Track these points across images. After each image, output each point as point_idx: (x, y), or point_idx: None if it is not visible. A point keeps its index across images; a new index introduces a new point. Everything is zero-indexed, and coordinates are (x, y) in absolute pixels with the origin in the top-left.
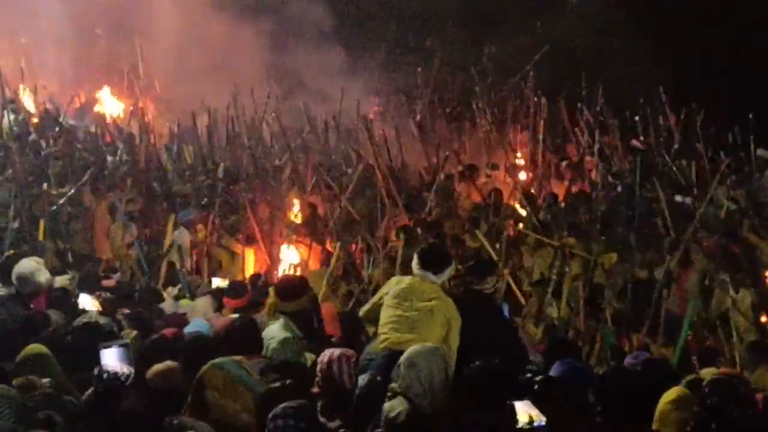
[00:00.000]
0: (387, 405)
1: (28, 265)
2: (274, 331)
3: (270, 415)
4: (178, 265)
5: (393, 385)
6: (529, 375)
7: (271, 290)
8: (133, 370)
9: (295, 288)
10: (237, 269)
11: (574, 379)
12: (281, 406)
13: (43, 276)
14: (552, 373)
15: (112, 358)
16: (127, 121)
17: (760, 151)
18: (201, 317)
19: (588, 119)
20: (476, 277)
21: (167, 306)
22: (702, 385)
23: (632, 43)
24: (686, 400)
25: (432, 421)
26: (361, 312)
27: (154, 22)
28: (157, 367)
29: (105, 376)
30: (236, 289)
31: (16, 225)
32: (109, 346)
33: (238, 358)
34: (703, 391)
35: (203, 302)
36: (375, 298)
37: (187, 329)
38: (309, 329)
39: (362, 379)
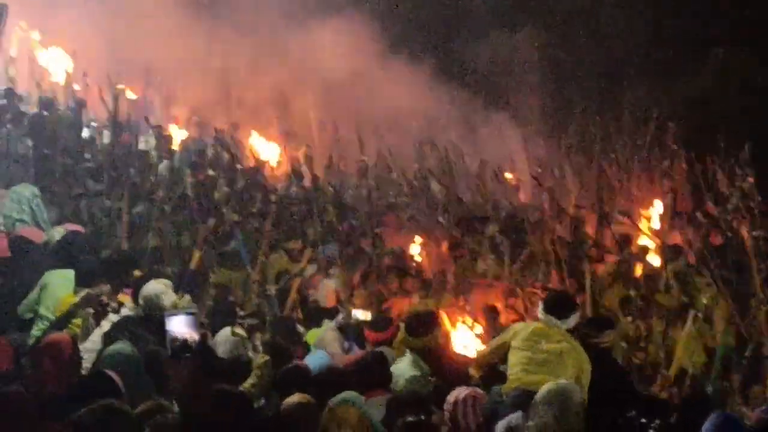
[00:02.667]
0: None
1: (154, 287)
2: (403, 368)
3: None
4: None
5: (530, 423)
6: (643, 420)
7: (401, 326)
8: (198, 337)
9: (425, 324)
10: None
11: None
12: None
13: (168, 299)
14: (708, 423)
15: (178, 325)
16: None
17: None
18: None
19: (726, 171)
20: (594, 330)
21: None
22: None
23: None
24: None
25: None
26: (478, 355)
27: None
28: (293, 399)
29: (173, 344)
30: (381, 322)
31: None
32: (176, 314)
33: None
34: None
35: (331, 336)
36: (495, 342)
37: (308, 359)
38: (438, 366)
39: (508, 422)
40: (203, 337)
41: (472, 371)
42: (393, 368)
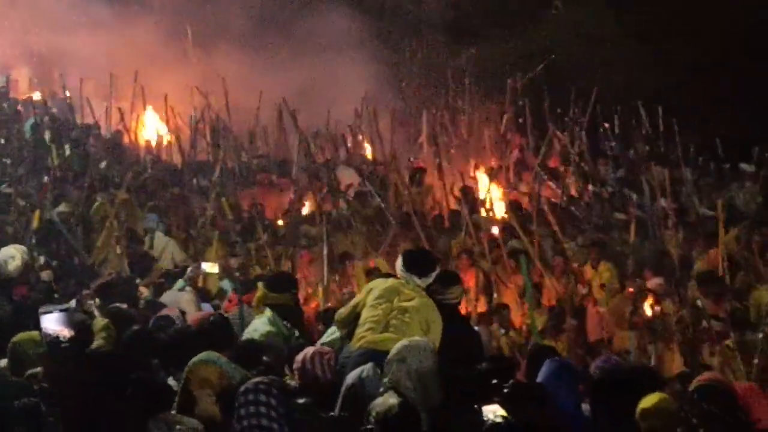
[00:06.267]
0: (378, 400)
1: (4, 252)
2: (257, 324)
3: (241, 389)
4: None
5: (384, 380)
6: (495, 381)
7: (260, 284)
8: (73, 333)
9: (285, 281)
10: None
11: (564, 376)
12: (252, 381)
13: (12, 265)
14: (543, 369)
15: (52, 323)
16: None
17: (742, 165)
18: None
19: (565, 124)
20: (441, 286)
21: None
22: (689, 391)
23: (616, 51)
24: (667, 405)
25: (424, 416)
26: (338, 315)
27: None
28: None
29: (48, 340)
30: (249, 285)
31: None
32: (50, 311)
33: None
34: (692, 397)
35: (187, 298)
36: (354, 302)
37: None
38: (297, 325)
39: (359, 374)
40: (78, 333)
41: (342, 330)
42: (250, 326)
